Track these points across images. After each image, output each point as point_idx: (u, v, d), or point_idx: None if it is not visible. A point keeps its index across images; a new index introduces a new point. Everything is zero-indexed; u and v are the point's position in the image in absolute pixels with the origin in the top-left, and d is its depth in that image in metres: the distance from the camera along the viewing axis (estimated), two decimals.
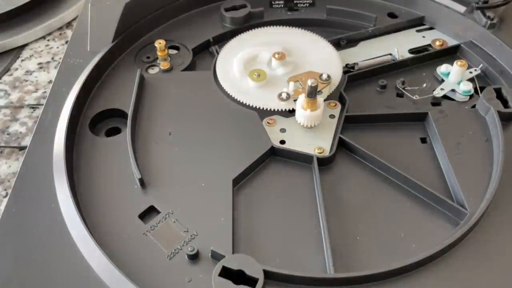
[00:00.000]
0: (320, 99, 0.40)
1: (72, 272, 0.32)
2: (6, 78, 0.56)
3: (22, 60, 0.58)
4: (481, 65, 0.45)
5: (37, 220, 0.34)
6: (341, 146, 0.40)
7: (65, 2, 0.63)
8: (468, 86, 0.43)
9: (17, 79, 0.56)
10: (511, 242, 0.33)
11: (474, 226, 0.33)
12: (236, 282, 0.30)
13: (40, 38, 0.60)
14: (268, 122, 0.42)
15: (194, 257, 0.32)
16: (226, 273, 0.30)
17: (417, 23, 0.50)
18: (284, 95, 0.42)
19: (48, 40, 0.60)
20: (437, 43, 0.48)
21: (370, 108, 0.43)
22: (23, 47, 0.59)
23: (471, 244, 0.32)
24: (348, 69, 0.46)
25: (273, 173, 0.39)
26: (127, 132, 0.38)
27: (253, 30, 0.48)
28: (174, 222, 0.34)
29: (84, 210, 0.35)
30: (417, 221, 0.35)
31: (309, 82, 0.38)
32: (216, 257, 0.32)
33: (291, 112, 0.42)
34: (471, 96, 0.43)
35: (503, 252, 0.32)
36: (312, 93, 0.39)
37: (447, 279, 0.31)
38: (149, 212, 0.35)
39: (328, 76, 0.43)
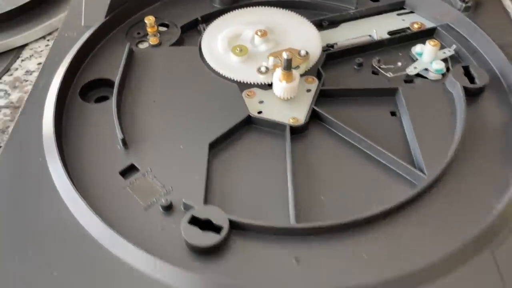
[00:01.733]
0: (295, 72, 0.43)
1: (56, 220, 0.34)
2: (6, 78, 0.55)
3: (22, 60, 0.57)
4: (454, 46, 0.47)
5: (25, 172, 0.36)
6: (316, 118, 0.43)
7: (65, 2, 0.63)
8: (440, 65, 0.45)
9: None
10: (463, 204, 0.35)
11: (430, 188, 0.35)
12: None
13: (40, 38, 0.60)
14: (247, 94, 0.44)
15: (168, 209, 0.35)
16: (195, 222, 0.33)
17: (398, 7, 0.52)
18: (263, 69, 0.44)
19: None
20: (415, 25, 0.50)
21: (346, 84, 0.45)
22: (23, 47, 0.59)
23: (425, 205, 0.35)
24: (328, 48, 0.49)
25: (249, 141, 0.41)
26: (113, 97, 0.41)
27: (239, 9, 0.51)
28: (151, 178, 0.37)
29: (70, 166, 0.37)
30: (380, 185, 0.37)
31: (284, 55, 0.41)
32: (187, 208, 0.34)
33: (270, 86, 0.44)
34: (443, 75, 0.45)
35: (455, 214, 0.34)
36: (288, 65, 0.41)
37: (399, 235, 0.33)
38: (129, 170, 0.38)
39: (306, 53, 0.45)
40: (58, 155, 0.36)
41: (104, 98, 0.44)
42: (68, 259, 0.32)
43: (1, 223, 0.34)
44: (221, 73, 0.45)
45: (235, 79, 0.44)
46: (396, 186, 0.37)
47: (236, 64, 0.46)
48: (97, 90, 0.45)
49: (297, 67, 0.44)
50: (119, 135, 0.39)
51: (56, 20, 0.61)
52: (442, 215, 0.34)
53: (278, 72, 0.43)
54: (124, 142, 0.39)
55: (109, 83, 0.45)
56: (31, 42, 0.60)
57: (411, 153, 0.40)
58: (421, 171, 0.37)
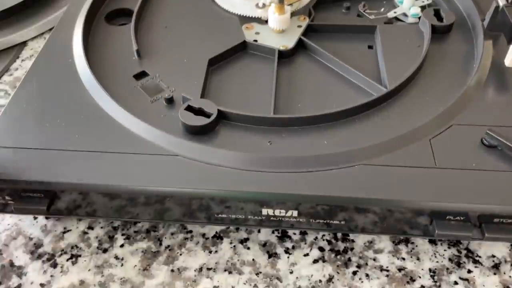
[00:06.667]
0: (288, 7, 0.50)
1: (79, 102, 0.42)
2: (6, 78, 0.55)
3: (22, 60, 0.58)
4: None
5: (58, 69, 0.45)
6: (303, 47, 0.49)
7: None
8: (417, 10, 0.52)
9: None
10: (414, 108, 0.41)
11: (387, 97, 0.42)
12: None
13: (38, 37, 0.61)
14: (246, 27, 0.51)
15: (170, 101, 0.42)
16: (190, 110, 0.40)
17: None
18: (260, 4, 0.52)
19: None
20: None
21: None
22: (23, 47, 0.59)
23: (382, 109, 0.41)
24: None
25: (244, 63, 0.48)
26: (132, 17, 0.49)
27: None
28: (158, 81, 0.45)
29: (92, 68, 0.45)
30: (349, 99, 0.44)
31: None
32: (185, 101, 0.42)
33: (267, 22, 0.52)
34: (420, 19, 0.52)
35: (404, 114, 0.41)
36: None
37: (356, 127, 0.40)
38: (141, 75, 0.45)
39: None
40: (84, 56, 0.44)
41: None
42: (88, 128, 0.39)
43: (40, 103, 0.42)
44: (224, 8, 0.52)
45: (236, 13, 0.52)
46: (363, 100, 0.44)
47: (238, 0, 0.53)
48: (119, 18, 0.53)
49: (291, 4, 0.51)
50: (134, 46, 0.46)
51: (53, 17, 0.61)
52: (393, 116, 0.41)
53: (273, 6, 0.50)
54: (138, 53, 0.47)
55: (129, 14, 0.53)
56: (31, 42, 0.60)
57: (380, 75, 0.46)
58: (385, 87, 0.44)
